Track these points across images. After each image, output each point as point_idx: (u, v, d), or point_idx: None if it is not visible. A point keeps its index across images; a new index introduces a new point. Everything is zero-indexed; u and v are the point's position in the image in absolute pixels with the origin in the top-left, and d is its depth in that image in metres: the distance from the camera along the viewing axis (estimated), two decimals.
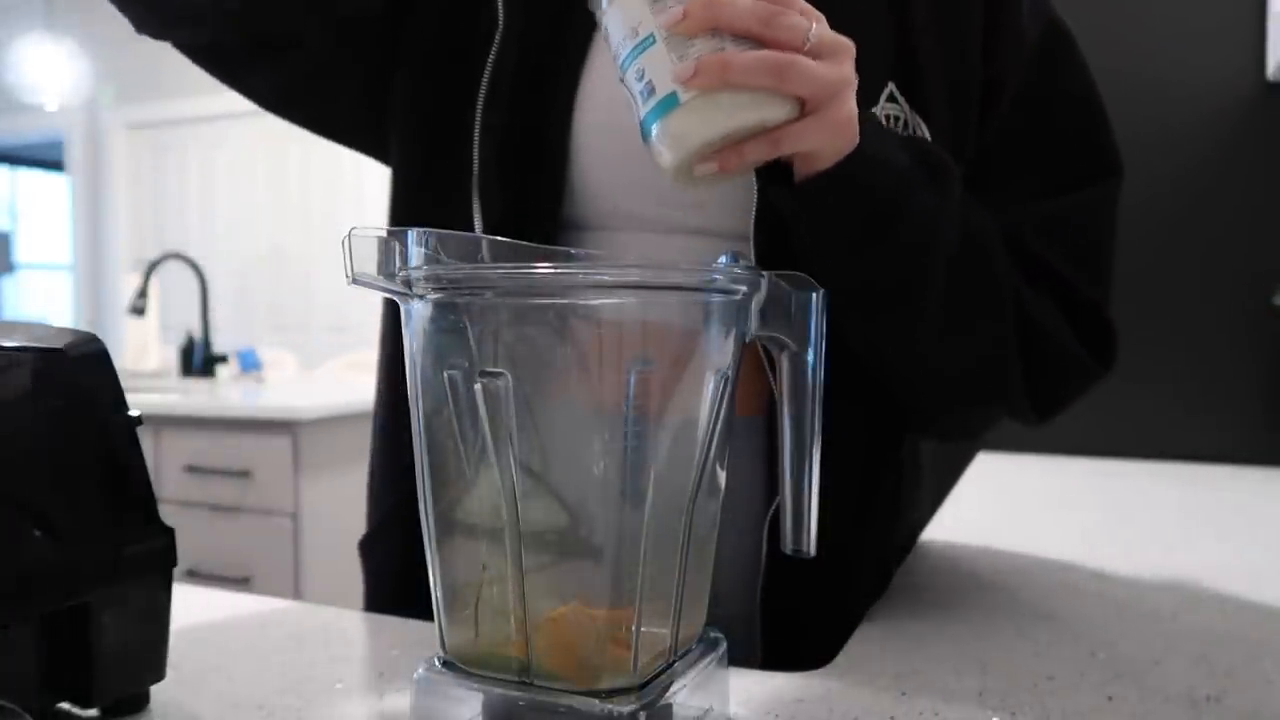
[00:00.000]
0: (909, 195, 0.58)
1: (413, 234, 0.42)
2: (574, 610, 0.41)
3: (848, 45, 0.52)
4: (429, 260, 0.42)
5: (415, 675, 0.43)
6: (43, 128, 5.36)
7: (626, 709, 0.39)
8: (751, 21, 0.49)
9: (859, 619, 0.63)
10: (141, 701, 0.48)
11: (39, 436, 0.43)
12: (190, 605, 0.64)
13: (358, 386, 2.65)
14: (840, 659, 0.56)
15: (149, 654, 0.47)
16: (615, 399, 0.40)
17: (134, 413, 0.46)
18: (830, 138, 0.53)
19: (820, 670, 0.54)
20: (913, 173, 0.58)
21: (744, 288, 0.44)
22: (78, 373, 0.44)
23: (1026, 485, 1.21)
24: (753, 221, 0.63)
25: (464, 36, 0.69)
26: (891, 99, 0.64)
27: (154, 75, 4.55)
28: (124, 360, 3.04)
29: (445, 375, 0.41)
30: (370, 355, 3.51)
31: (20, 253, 6.87)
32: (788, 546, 0.48)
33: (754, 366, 0.62)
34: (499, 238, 0.48)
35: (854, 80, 0.53)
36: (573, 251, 0.55)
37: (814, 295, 0.46)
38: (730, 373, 0.44)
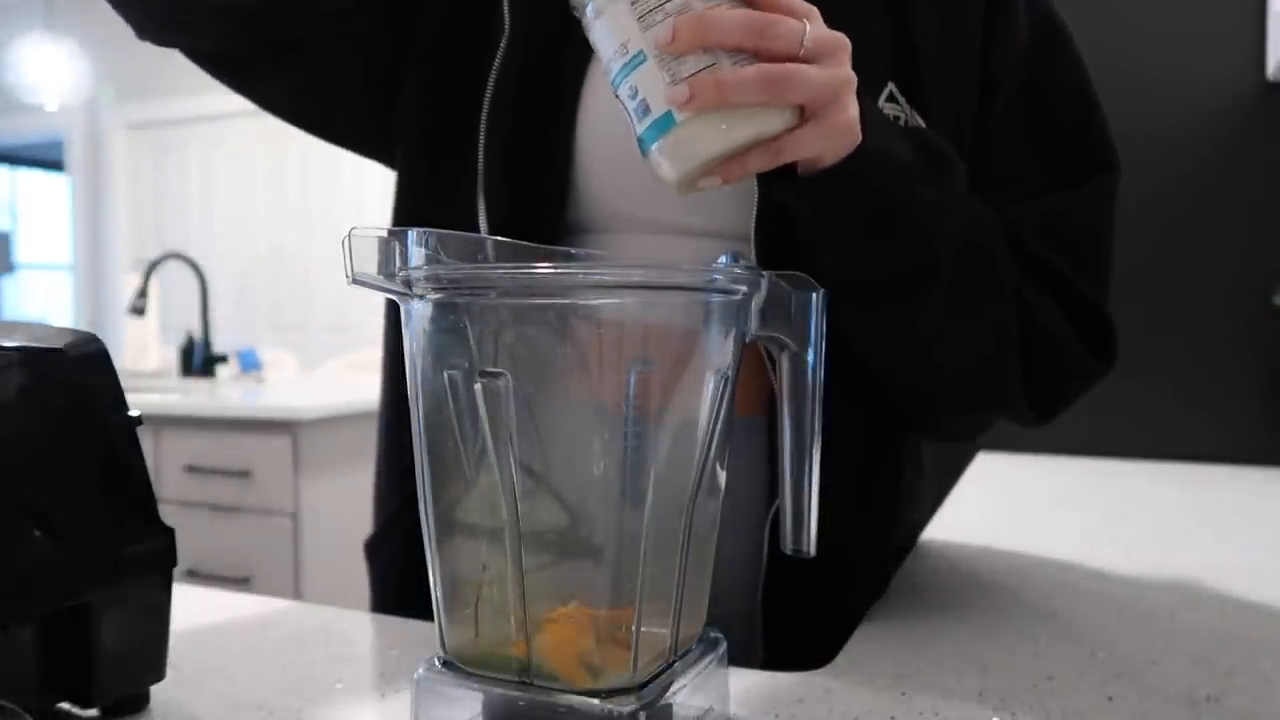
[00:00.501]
0: (913, 188, 0.57)
1: (413, 234, 0.42)
2: (574, 610, 0.41)
3: (844, 43, 0.52)
4: (429, 260, 0.42)
5: (415, 675, 0.43)
6: (43, 128, 5.36)
7: (626, 709, 0.39)
8: (742, 35, 0.48)
9: (859, 619, 0.63)
10: (141, 701, 0.48)
11: (39, 436, 0.43)
12: (190, 605, 0.64)
13: (358, 386, 2.66)
14: (840, 659, 0.56)
15: (149, 654, 0.47)
16: (615, 399, 0.40)
17: (134, 413, 0.46)
18: (832, 142, 0.53)
19: (820, 670, 0.54)
20: (916, 165, 0.58)
21: (744, 288, 0.44)
22: (78, 373, 0.45)
23: (1026, 485, 1.21)
24: (754, 222, 0.63)
25: (470, 41, 0.69)
26: (891, 99, 0.64)
27: (154, 75, 4.54)
28: (124, 360, 3.04)
29: (445, 375, 0.41)
30: (370, 355, 3.52)
31: (20, 253, 6.87)
32: (788, 546, 0.48)
33: (754, 366, 0.62)
34: (499, 238, 0.48)
35: (853, 79, 0.52)
36: (573, 251, 0.55)
37: (814, 295, 0.45)
38: (730, 373, 0.44)
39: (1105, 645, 0.58)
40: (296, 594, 2.25)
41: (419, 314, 0.42)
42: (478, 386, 0.40)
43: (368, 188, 4.25)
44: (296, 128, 0.79)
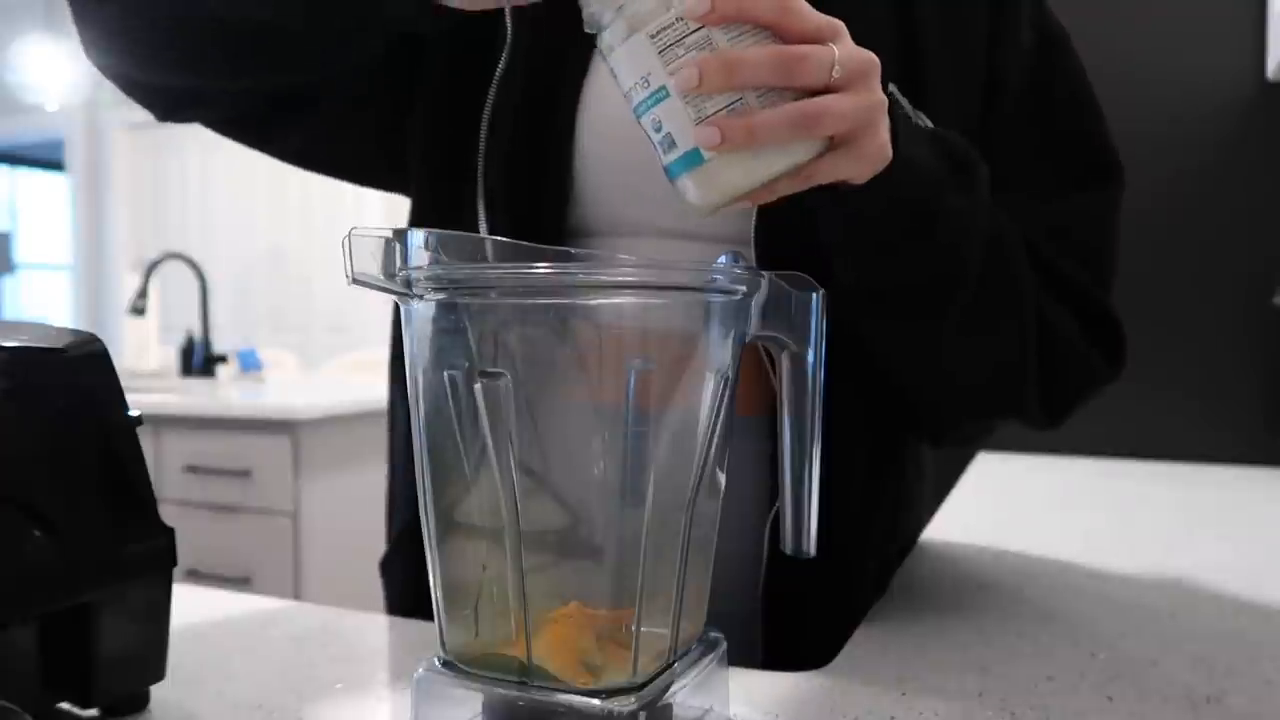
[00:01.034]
0: (943, 196, 0.57)
1: (413, 234, 0.42)
2: (574, 610, 0.41)
3: (874, 64, 0.50)
4: (429, 261, 0.42)
5: (415, 675, 0.43)
6: (43, 128, 5.36)
7: (626, 709, 0.39)
8: (770, 75, 0.46)
9: (859, 619, 0.63)
10: (141, 701, 0.48)
11: (39, 437, 0.43)
12: (190, 605, 0.64)
13: (358, 387, 2.65)
14: (840, 659, 0.56)
15: (149, 654, 0.47)
16: (615, 399, 0.40)
17: (134, 413, 0.46)
18: (862, 166, 0.51)
19: (820, 670, 0.54)
20: (944, 173, 0.57)
21: (744, 288, 0.44)
22: (78, 373, 0.45)
23: (1026, 485, 1.21)
24: (753, 226, 0.63)
25: (473, 59, 0.70)
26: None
27: None
28: (124, 360, 3.04)
29: (445, 375, 0.41)
30: (369, 355, 3.52)
31: (20, 253, 6.87)
32: (788, 547, 0.48)
33: (755, 367, 0.62)
34: (500, 238, 0.48)
35: (884, 102, 0.51)
36: (573, 251, 0.55)
37: (814, 295, 0.45)
38: (730, 373, 0.44)
39: (1105, 645, 0.58)
40: (296, 594, 2.25)
41: (419, 314, 0.42)
42: (478, 386, 0.40)
43: (368, 188, 4.24)
44: (318, 174, 0.81)
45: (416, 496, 0.44)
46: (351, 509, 2.32)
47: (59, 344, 0.44)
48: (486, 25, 0.69)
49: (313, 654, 0.57)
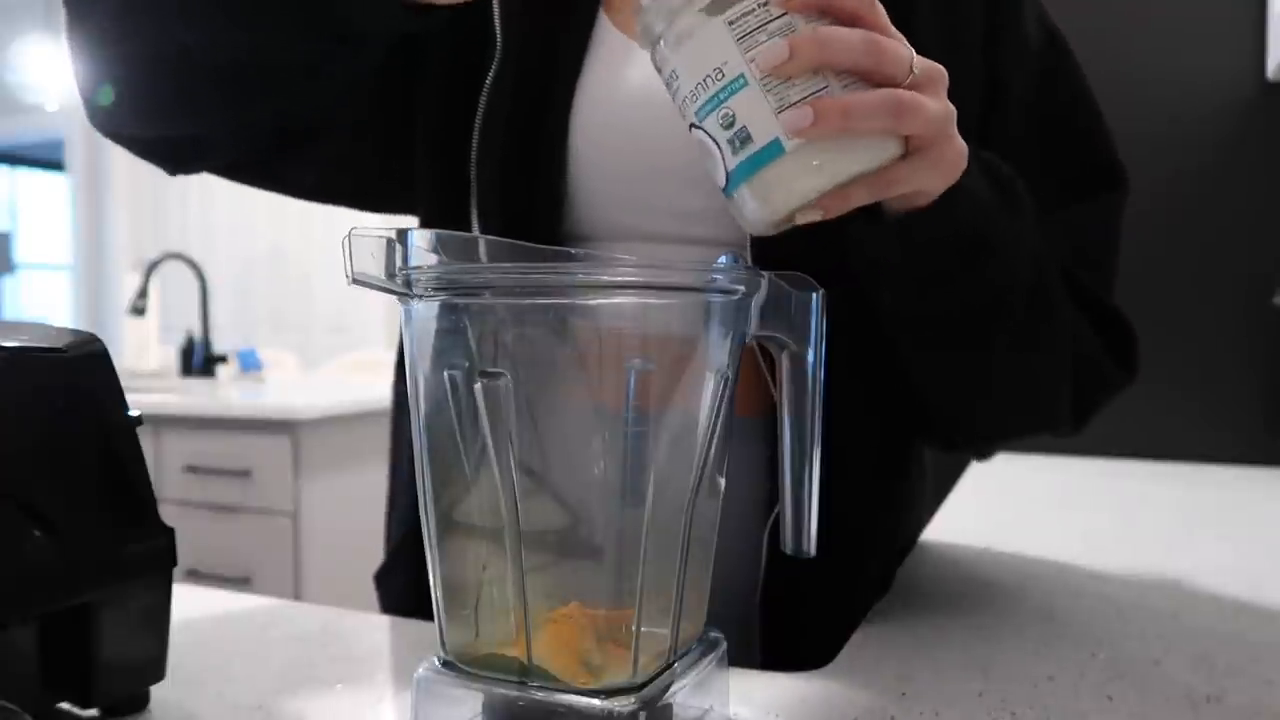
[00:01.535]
0: (996, 225, 0.55)
1: (413, 234, 0.42)
2: (574, 610, 0.41)
3: (943, 72, 0.48)
4: (429, 260, 0.42)
5: (415, 675, 0.43)
6: (43, 128, 5.36)
7: (626, 709, 0.39)
8: (862, 57, 0.44)
9: (859, 619, 0.63)
10: (141, 701, 0.48)
11: (39, 436, 0.43)
12: (190, 605, 0.64)
13: (358, 386, 2.65)
14: (840, 659, 0.56)
15: (149, 654, 0.47)
16: (615, 399, 0.40)
17: (134, 413, 0.46)
18: (940, 176, 0.50)
19: (820, 670, 0.54)
20: (996, 199, 0.56)
21: (744, 288, 0.44)
22: (78, 373, 0.45)
23: (1026, 485, 1.21)
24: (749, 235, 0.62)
25: (465, 65, 0.70)
26: None
27: None
28: (124, 360, 3.04)
29: (445, 375, 0.41)
30: (369, 355, 3.51)
31: (20, 253, 6.87)
32: (788, 547, 0.48)
33: (755, 367, 0.62)
34: (498, 238, 0.48)
35: (954, 113, 0.49)
36: (573, 252, 0.55)
37: (814, 295, 0.45)
38: (730, 373, 0.44)
39: (1105, 645, 0.58)
40: (296, 594, 2.25)
41: (419, 314, 0.42)
42: (478, 386, 0.40)
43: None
44: (331, 205, 0.82)
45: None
46: (351, 509, 2.32)
47: (59, 344, 0.44)
48: (478, 30, 0.69)
49: (313, 654, 0.57)
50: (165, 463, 2.36)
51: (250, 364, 3.01)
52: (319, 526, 2.29)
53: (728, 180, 0.46)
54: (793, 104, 0.43)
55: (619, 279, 0.41)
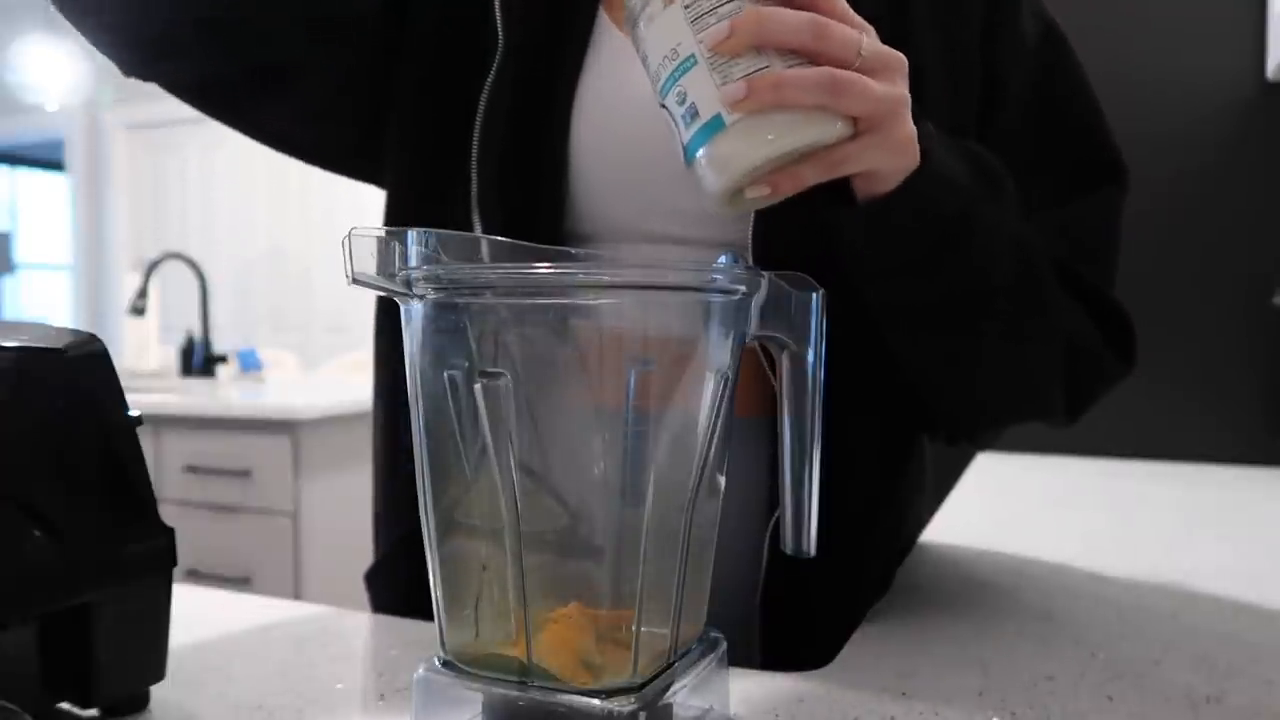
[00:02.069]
0: (975, 211, 0.56)
1: (413, 234, 0.42)
2: (574, 610, 0.41)
3: (901, 61, 0.49)
4: (429, 260, 0.42)
5: (415, 675, 0.43)
6: (43, 128, 5.36)
7: (626, 709, 0.39)
8: (803, 36, 0.45)
9: (859, 620, 0.63)
10: (141, 701, 0.48)
11: (39, 436, 0.43)
12: (190, 605, 0.64)
13: (357, 386, 2.65)
14: (840, 659, 0.56)
15: (149, 654, 0.47)
16: (615, 399, 0.40)
17: (134, 413, 0.46)
18: (892, 158, 0.51)
19: (820, 670, 0.54)
20: (975, 186, 0.56)
21: (744, 288, 0.44)
22: (78, 373, 0.45)
23: (1026, 485, 1.21)
24: (750, 231, 0.63)
25: (461, 57, 0.69)
26: None
27: None
28: (124, 360, 3.04)
29: (445, 375, 0.41)
30: (369, 355, 3.51)
31: (20, 253, 6.87)
32: (788, 547, 0.48)
33: (756, 367, 0.62)
34: (499, 238, 0.48)
35: (908, 98, 0.50)
36: (573, 251, 0.55)
37: (814, 295, 0.45)
38: (730, 373, 0.44)
39: (1105, 645, 0.58)
40: (296, 594, 2.25)
41: (419, 314, 0.42)
42: (478, 386, 0.40)
43: (368, 188, 4.24)
44: (286, 155, 0.79)
45: (415, 501, 0.44)
46: (351, 509, 2.32)
47: (59, 344, 0.44)
48: (474, 24, 0.68)
49: (313, 654, 0.57)
50: (165, 463, 2.36)
51: (250, 364, 3.01)
52: (319, 526, 2.29)
53: (686, 154, 0.49)
54: (733, 80, 0.46)
55: (619, 279, 0.41)
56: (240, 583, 2.28)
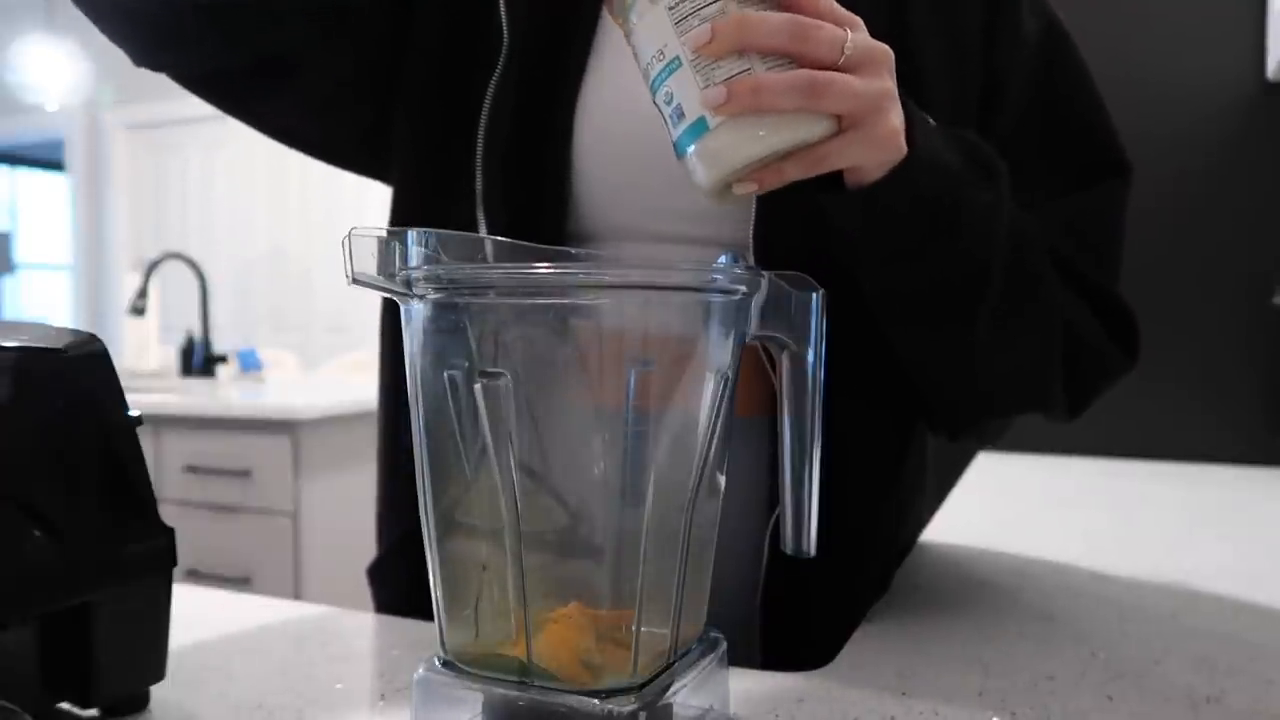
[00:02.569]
0: (966, 198, 0.56)
1: (413, 234, 0.42)
2: (574, 610, 0.41)
3: (886, 54, 0.50)
4: (429, 260, 0.42)
5: (415, 675, 0.43)
6: (43, 128, 5.36)
7: (626, 709, 0.39)
8: (784, 39, 0.46)
9: (859, 619, 0.63)
10: (141, 701, 0.48)
11: (39, 436, 0.43)
12: (190, 605, 0.64)
13: (358, 386, 2.65)
14: (840, 659, 0.56)
15: (149, 654, 0.47)
16: (615, 399, 0.40)
17: (134, 413, 0.46)
18: (874, 153, 0.51)
19: (820, 670, 0.54)
20: (967, 173, 0.57)
21: (744, 288, 0.44)
22: (78, 373, 0.45)
23: (1026, 485, 1.21)
24: (751, 231, 0.63)
25: (466, 55, 0.69)
26: None
27: (154, 76, 4.53)
28: (124, 360, 3.04)
29: (445, 375, 0.41)
30: (369, 355, 3.50)
31: (20, 253, 6.87)
32: (788, 547, 0.48)
33: (756, 367, 0.62)
34: (499, 238, 0.48)
35: (894, 91, 0.50)
36: (573, 251, 0.55)
37: (814, 295, 0.45)
38: (730, 373, 0.44)
39: (1106, 645, 0.58)
40: (296, 594, 2.25)
41: (419, 314, 0.42)
42: (478, 386, 0.40)
43: (368, 188, 4.23)
44: (294, 149, 0.80)
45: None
46: (351, 509, 2.32)
47: (59, 344, 0.44)
48: (478, 22, 0.68)
49: (313, 654, 0.57)
50: (165, 463, 2.36)
51: (250, 364, 3.01)
52: (319, 526, 2.29)
53: (676, 150, 0.49)
54: (715, 84, 0.46)
55: (619, 279, 0.41)
56: (240, 583, 2.28)
